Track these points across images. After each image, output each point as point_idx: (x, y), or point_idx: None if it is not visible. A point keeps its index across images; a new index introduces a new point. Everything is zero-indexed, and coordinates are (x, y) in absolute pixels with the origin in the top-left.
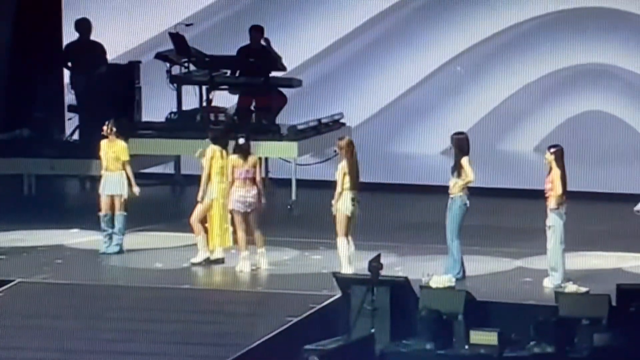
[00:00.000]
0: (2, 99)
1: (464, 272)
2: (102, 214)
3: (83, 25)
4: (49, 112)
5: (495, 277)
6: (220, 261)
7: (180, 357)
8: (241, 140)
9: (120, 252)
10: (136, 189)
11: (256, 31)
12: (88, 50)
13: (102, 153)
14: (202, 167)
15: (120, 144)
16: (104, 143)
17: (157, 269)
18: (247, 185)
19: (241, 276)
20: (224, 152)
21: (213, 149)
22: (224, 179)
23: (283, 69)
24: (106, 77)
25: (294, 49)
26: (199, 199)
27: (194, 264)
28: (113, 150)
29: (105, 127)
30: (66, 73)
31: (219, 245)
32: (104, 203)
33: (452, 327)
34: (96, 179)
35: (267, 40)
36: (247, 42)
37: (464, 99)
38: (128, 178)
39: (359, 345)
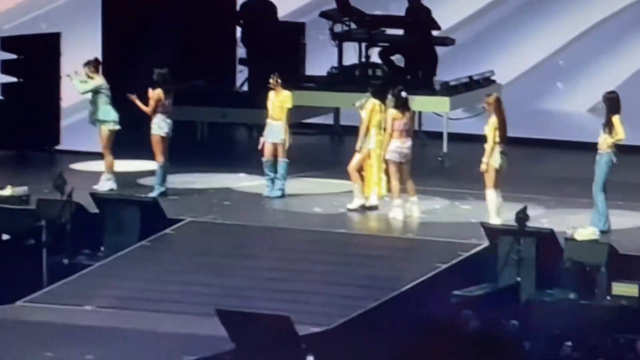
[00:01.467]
0: (180, 52)
1: (609, 225)
2: (264, 159)
3: None
4: (221, 65)
5: (638, 231)
6: (374, 208)
7: (334, 297)
8: (403, 94)
9: (282, 196)
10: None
11: None
12: (261, 9)
13: (268, 103)
14: (361, 119)
15: (285, 93)
16: (271, 94)
17: (315, 213)
18: (403, 137)
19: (394, 223)
20: (382, 105)
21: (373, 103)
22: (381, 131)
23: (438, 28)
24: (274, 34)
25: (449, 9)
26: (357, 148)
27: (350, 210)
28: (279, 100)
29: (271, 80)
30: (238, 29)
31: (375, 193)
32: (267, 149)
33: (594, 278)
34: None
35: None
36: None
37: (612, 59)
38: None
39: (505, 292)
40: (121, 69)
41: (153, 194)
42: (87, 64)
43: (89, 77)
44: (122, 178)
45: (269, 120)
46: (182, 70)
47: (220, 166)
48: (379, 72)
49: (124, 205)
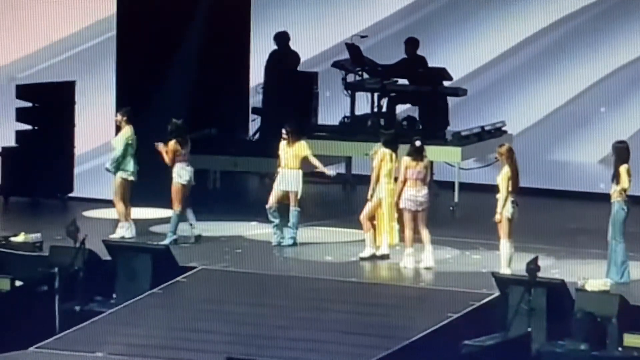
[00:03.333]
0: (194, 101)
1: (628, 276)
2: (268, 206)
3: (280, 37)
4: (234, 114)
5: None
6: (386, 257)
7: (345, 345)
8: (417, 143)
9: (294, 244)
10: (330, 172)
11: (411, 44)
12: (286, 59)
13: (280, 152)
14: (372, 168)
15: (300, 143)
16: (283, 144)
17: (327, 261)
18: (418, 185)
19: (405, 272)
20: (394, 155)
21: (384, 152)
22: (391, 181)
23: (449, 78)
24: (288, 84)
25: (461, 59)
26: (368, 197)
27: (362, 259)
28: (293, 149)
29: (284, 130)
30: (252, 77)
31: (386, 241)
32: (276, 196)
33: (606, 329)
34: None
35: None
36: (418, 53)
37: (623, 109)
38: (315, 167)
39: (516, 343)
40: (135, 117)
41: (165, 242)
42: (122, 112)
43: (119, 125)
44: (136, 225)
45: (281, 169)
46: (195, 118)
47: (232, 214)
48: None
49: (136, 253)
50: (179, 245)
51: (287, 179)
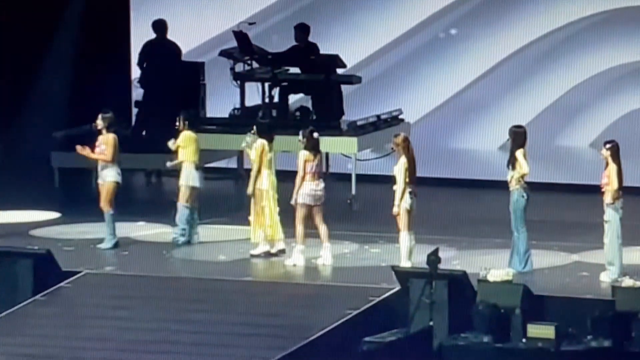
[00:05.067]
0: (72, 95)
1: (530, 265)
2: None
3: (160, 25)
4: (116, 108)
5: (552, 272)
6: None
7: (241, 348)
8: (315, 135)
9: (188, 243)
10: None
11: (301, 30)
12: (164, 49)
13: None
14: (250, 160)
15: (188, 135)
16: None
17: (219, 261)
18: (316, 179)
19: (300, 269)
20: (270, 144)
21: (262, 143)
22: (272, 172)
23: (343, 65)
24: (173, 75)
25: (354, 46)
26: (249, 192)
27: (253, 257)
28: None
29: (177, 122)
30: (135, 69)
31: (271, 237)
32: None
33: (509, 320)
34: (162, 173)
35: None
36: (309, 40)
37: (521, 95)
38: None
39: (417, 337)
40: (9, 115)
41: (106, 246)
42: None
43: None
44: (13, 229)
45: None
46: (74, 114)
47: (118, 214)
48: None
49: (16, 259)
50: (62, 249)
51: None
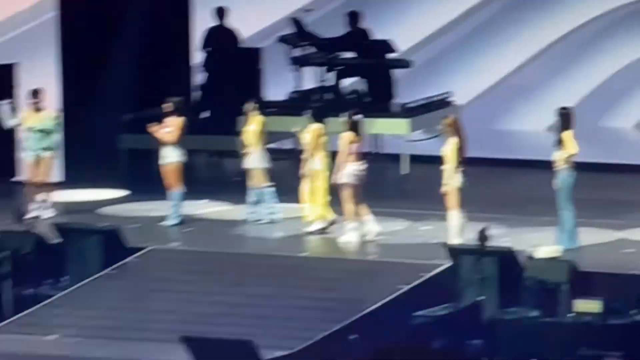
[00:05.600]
0: (139, 80)
1: (578, 242)
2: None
3: (221, 12)
4: (178, 92)
5: (598, 248)
6: (325, 231)
7: (297, 320)
8: (358, 117)
9: (272, 222)
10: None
11: (354, 17)
12: (224, 35)
13: (244, 129)
14: (303, 143)
15: (256, 118)
16: (249, 120)
17: (277, 238)
18: (359, 159)
19: (354, 245)
20: (324, 127)
21: (316, 126)
22: (326, 154)
23: (394, 50)
24: (233, 60)
25: (405, 31)
26: (304, 172)
27: (309, 234)
28: (252, 126)
29: (247, 105)
30: (196, 55)
31: (323, 216)
32: (248, 175)
33: (556, 295)
34: (224, 154)
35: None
36: (361, 26)
37: (569, 77)
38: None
39: (467, 312)
40: (81, 99)
41: (170, 223)
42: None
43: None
44: (84, 207)
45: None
46: (141, 97)
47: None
48: (352, 95)
49: (86, 235)
50: (129, 227)
51: (251, 157)
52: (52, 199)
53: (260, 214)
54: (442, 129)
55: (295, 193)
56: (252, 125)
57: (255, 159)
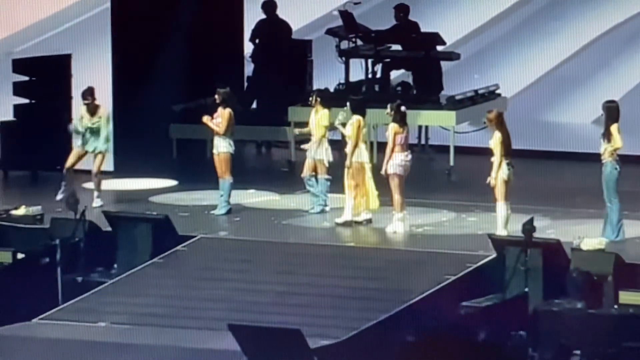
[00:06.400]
0: (190, 71)
1: (623, 235)
2: (303, 174)
3: (269, 5)
4: (229, 83)
5: None
6: (369, 222)
7: (344, 309)
8: (403, 108)
9: (322, 212)
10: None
11: (402, 10)
12: (275, 28)
13: (310, 121)
14: (344, 135)
15: (323, 111)
16: (312, 112)
17: (324, 227)
18: (405, 150)
19: (400, 236)
20: (364, 120)
21: (358, 119)
22: (368, 145)
23: (442, 43)
24: (283, 51)
25: (453, 24)
26: (347, 164)
27: (337, 224)
28: (317, 118)
29: (310, 98)
30: (247, 46)
31: (371, 207)
32: (308, 165)
33: (602, 287)
34: (272, 144)
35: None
36: (409, 18)
37: (615, 70)
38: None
39: (513, 303)
40: (132, 90)
41: (220, 212)
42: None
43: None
44: (133, 196)
45: (312, 138)
46: (192, 88)
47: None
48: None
49: (136, 223)
50: (178, 215)
51: (313, 147)
52: (102, 188)
53: (316, 203)
54: (485, 122)
55: (342, 183)
56: (317, 117)
57: (320, 151)
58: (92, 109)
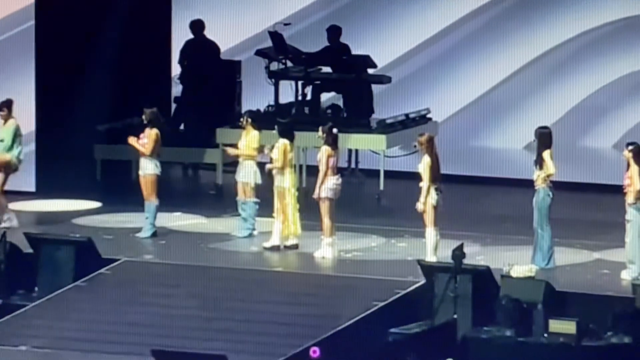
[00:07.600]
0: (115, 91)
1: (553, 262)
2: (237, 198)
3: (197, 25)
4: (156, 104)
5: (574, 269)
6: (294, 247)
7: (272, 335)
8: (335, 131)
9: (250, 236)
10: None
11: (333, 32)
12: (203, 48)
13: (239, 142)
14: (271, 159)
15: (253, 133)
16: (242, 133)
17: (250, 252)
18: (335, 174)
19: (328, 261)
20: (291, 144)
21: (284, 142)
22: (293, 170)
23: (373, 66)
24: (211, 72)
25: (384, 47)
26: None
27: (265, 249)
28: (247, 139)
29: (242, 119)
30: (175, 67)
31: (294, 233)
32: (238, 189)
33: (531, 315)
34: (199, 166)
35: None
36: (340, 41)
37: (547, 96)
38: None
39: (441, 330)
40: (56, 109)
41: (145, 235)
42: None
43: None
44: (56, 217)
45: (240, 160)
46: (118, 108)
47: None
48: (330, 110)
49: (59, 245)
50: (102, 237)
51: (241, 169)
52: (19, 209)
53: (243, 228)
54: (416, 147)
55: (268, 207)
56: (247, 139)
57: (248, 173)
58: (5, 121)
